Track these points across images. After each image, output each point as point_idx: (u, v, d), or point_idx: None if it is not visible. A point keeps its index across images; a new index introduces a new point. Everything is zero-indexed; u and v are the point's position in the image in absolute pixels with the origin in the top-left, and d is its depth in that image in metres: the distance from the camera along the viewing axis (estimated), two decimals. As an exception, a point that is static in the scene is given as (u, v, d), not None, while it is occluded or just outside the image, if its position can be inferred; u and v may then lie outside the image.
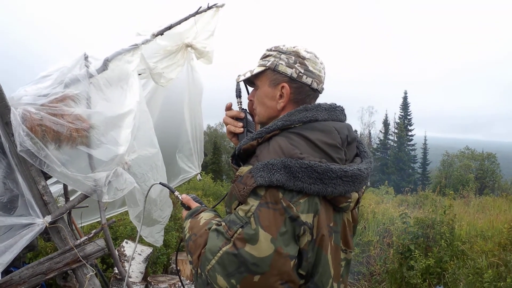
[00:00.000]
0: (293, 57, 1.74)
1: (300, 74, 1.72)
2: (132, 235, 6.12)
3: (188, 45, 4.58)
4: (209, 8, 4.65)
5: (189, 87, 5.05)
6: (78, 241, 3.03)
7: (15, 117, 2.79)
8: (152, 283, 5.22)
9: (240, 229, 1.46)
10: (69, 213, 4.31)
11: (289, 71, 1.72)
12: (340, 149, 1.62)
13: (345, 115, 1.81)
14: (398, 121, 61.00)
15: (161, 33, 4.16)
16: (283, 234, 1.43)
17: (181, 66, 4.64)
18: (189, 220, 1.78)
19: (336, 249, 1.64)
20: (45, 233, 3.29)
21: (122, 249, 5.29)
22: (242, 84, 1.99)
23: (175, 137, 5.47)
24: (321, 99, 1.83)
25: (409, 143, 58.86)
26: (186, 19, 4.41)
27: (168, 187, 2.16)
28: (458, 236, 6.60)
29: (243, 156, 1.71)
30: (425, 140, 59.21)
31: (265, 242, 1.41)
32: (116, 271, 5.01)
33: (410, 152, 58.27)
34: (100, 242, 3.13)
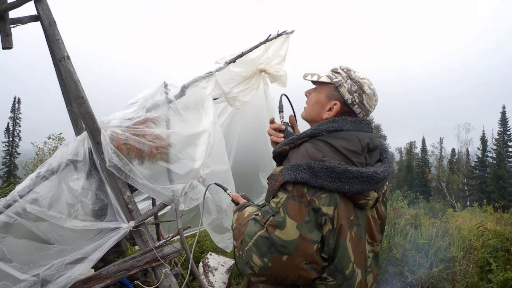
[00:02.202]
0: (356, 87, 1.93)
1: (354, 102, 1.92)
2: (217, 248, 6.40)
3: (262, 70, 4.83)
4: (279, 35, 4.89)
5: (267, 109, 5.27)
6: (158, 243, 3.34)
7: (104, 137, 3.20)
8: (234, 293, 5.41)
9: (272, 217, 1.69)
10: (158, 226, 4.69)
11: (347, 96, 1.92)
12: (360, 154, 1.82)
13: (371, 128, 1.98)
14: (497, 137, 56.88)
15: (233, 60, 4.45)
16: (307, 222, 1.65)
17: (255, 90, 4.86)
18: (237, 213, 2.00)
19: (358, 240, 1.82)
20: (131, 238, 3.66)
21: (206, 261, 5.57)
22: (284, 100, 2.21)
23: (258, 156, 5.65)
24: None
25: (509, 159, 54.56)
26: (256, 46, 4.67)
27: (221, 187, 2.38)
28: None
29: (278, 159, 1.94)
30: (528, 156, 54.65)
31: (291, 228, 1.64)
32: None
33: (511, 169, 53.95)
34: (176, 245, 3.41)
